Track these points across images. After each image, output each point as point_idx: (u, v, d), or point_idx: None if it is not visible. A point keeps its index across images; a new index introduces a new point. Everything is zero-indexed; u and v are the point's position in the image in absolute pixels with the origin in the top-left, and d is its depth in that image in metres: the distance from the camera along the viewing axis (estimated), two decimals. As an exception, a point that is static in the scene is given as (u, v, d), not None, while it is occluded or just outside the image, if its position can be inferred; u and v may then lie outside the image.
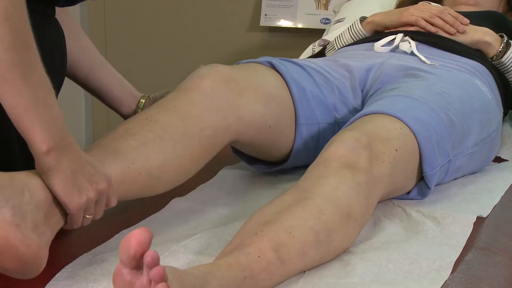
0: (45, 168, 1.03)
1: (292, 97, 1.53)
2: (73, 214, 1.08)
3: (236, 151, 1.60)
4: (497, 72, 1.84)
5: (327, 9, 2.85)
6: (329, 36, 2.33)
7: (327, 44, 2.15)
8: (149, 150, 1.26)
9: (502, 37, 1.88)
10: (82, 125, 3.26)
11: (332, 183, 1.19)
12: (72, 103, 3.17)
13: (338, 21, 2.48)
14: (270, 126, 1.48)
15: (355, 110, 1.64)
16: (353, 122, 1.39)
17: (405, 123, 1.36)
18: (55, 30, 1.31)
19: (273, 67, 1.56)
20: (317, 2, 2.86)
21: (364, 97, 1.67)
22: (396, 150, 1.31)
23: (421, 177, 1.42)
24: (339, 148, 1.23)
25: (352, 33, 2.02)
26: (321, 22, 2.85)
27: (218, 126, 1.36)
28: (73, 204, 1.06)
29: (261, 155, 1.59)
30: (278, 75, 1.55)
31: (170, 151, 1.29)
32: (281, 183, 1.55)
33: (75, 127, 3.22)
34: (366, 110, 1.42)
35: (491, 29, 1.89)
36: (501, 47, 1.86)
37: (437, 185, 1.49)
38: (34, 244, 1.01)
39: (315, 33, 2.74)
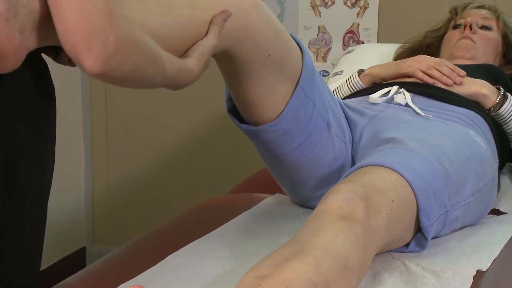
0: None
1: (302, 65, 1.54)
2: None
3: (230, 110, 1.60)
4: (494, 123, 1.84)
5: (326, 62, 2.87)
6: (327, 88, 2.35)
7: (325, 97, 2.16)
8: (149, 18, 1.25)
9: (499, 89, 1.89)
10: (82, 179, 3.26)
11: (329, 235, 1.18)
12: (72, 156, 3.17)
13: (337, 73, 2.50)
14: (269, 55, 1.48)
15: (347, 133, 1.67)
16: (349, 174, 1.39)
17: (401, 174, 1.37)
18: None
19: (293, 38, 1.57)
20: (315, 55, 2.89)
21: (354, 146, 1.68)
22: (393, 201, 1.31)
23: (418, 229, 1.42)
24: (336, 200, 1.23)
25: (350, 85, 2.03)
26: (320, 74, 2.87)
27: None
28: None
29: (253, 103, 1.55)
30: (297, 46, 1.55)
31: (168, 30, 1.28)
32: (280, 237, 1.54)
33: (74, 180, 3.21)
34: (362, 162, 1.43)
35: (487, 82, 1.90)
36: (498, 99, 1.87)
37: (435, 237, 1.48)
38: (17, 42, 1.01)
39: (314, 86, 2.75)
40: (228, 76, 1.52)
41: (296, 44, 1.55)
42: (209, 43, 1.33)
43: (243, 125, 1.59)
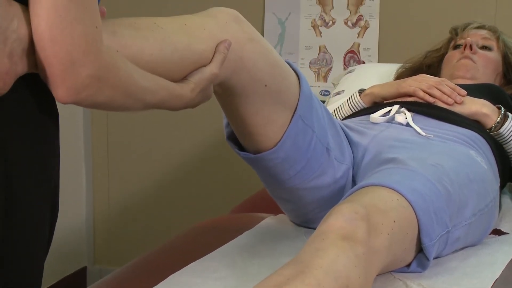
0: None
1: (299, 93, 1.55)
2: None
3: (229, 137, 1.60)
4: (495, 143, 1.85)
5: (326, 81, 2.88)
6: (328, 108, 2.35)
7: (327, 116, 2.16)
8: (146, 44, 1.28)
9: (499, 108, 1.90)
10: (83, 199, 3.26)
11: (330, 255, 1.18)
12: (73, 177, 3.17)
13: (338, 93, 2.51)
14: (266, 86, 1.48)
15: (348, 156, 1.67)
16: (351, 194, 1.39)
17: (402, 195, 1.37)
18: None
19: (290, 66, 1.58)
20: (316, 74, 2.90)
21: (355, 166, 1.68)
22: (394, 221, 1.31)
23: (420, 249, 1.42)
24: (337, 220, 1.23)
25: (351, 105, 2.03)
26: (321, 94, 2.87)
27: None
28: None
29: (251, 132, 1.56)
30: (294, 74, 1.56)
31: (167, 55, 1.30)
32: (281, 256, 1.54)
33: (75, 200, 3.21)
34: (363, 182, 1.43)
35: (488, 101, 1.90)
36: (498, 118, 1.87)
37: (437, 257, 1.48)
38: (5, 67, 1.02)
39: (315, 105, 2.76)
40: (225, 106, 1.53)
41: (293, 72, 1.56)
42: (209, 70, 1.35)
43: (242, 153, 1.60)
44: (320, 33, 2.88)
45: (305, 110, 1.55)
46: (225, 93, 1.48)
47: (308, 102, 1.56)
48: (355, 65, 2.80)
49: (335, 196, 1.64)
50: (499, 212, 1.79)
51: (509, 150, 1.89)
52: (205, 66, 1.35)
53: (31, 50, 1.06)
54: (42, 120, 1.12)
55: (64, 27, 1.03)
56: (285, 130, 1.54)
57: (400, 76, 2.28)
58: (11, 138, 1.08)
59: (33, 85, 1.09)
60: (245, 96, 1.48)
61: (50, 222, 1.19)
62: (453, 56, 2.20)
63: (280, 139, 1.54)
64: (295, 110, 1.54)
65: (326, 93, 2.85)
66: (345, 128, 1.75)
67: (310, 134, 1.57)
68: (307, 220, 1.73)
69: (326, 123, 1.63)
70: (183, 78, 1.33)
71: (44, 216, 1.15)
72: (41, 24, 1.03)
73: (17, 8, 1.05)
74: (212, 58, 1.36)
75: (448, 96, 1.88)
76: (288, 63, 1.57)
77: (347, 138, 1.73)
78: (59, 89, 1.07)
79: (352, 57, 2.85)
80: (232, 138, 1.61)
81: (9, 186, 1.08)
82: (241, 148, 1.61)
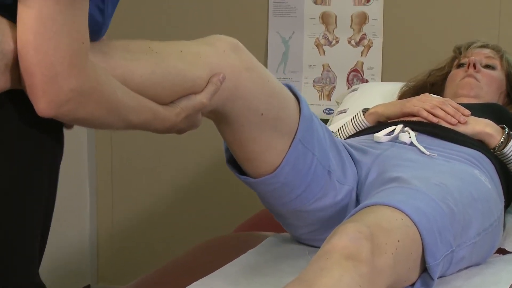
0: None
1: (299, 117, 1.54)
2: None
3: (229, 161, 1.60)
4: (499, 162, 1.84)
5: (330, 100, 2.88)
6: (332, 127, 2.35)
7: (330, 135, 2.16)
8: (138, 66, 1.27)
9: (503, 128, 1.90)
10: (87, 217, 3.26)
11: (334, 275, 1.18)
12: (77, 195, 3.17)
13: (341, 111, 2.51)
14: (262, 114, 1.48)
15: (350, 177, 1.66)
16: (355, 213, 1.39)
17: (406, 214, 1.36)
18: None
19: (290, 89, 1.57)
20: (320, 93, 2.90)
21: (359, 185, 1.67)
22: (398, 241, 1.30)
23: (424, 268, 1.41)
24: (341, 239, 1.23)
25: (355, 124, 2.03)
26: (324, 112, 2.88)
27: None
28: None
29: (250, 158, 1.55)
30: (294, 98, 1.56)
31: (158, 79, 1.29)
32: (285, 275, 1.54)
33: (79, 218, 3.21)
34: (367, 201, 1.43)
35: (492, 121, 1.90)
36: (502, 138, 1.87)
37: (441, 277, 1.47)
38: None
39: (319, 124, 2.76)
40: (222, 132, 1.53)
41: (292, 96, 1.55)
42: (199, 98, 1.34)
43: (242, 177, 1.60)
44: (324, 51, 2.89)
45: (306, 133, 1.55)
46: (221, 120, 1.48)
47: (308, 125, 1.56)
48: (359, 83, 2.81)
49: (338, 216, 1.64)
50: (504, 231, 1.78)
51: (513, 170, 1.89)
52: (196, 93, 1.34)
53: (15, 66, 1.05)
54: (40, 132, 1.12)
55: (49, 38, 1.03)
56: (285, 155, 1.54)
57: (403, 94, 2.28)
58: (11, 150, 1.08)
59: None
60: (240, 125, 1.48)
61: (41, 231, 1.17)
62: (456, 74, 2.20)
63: (280, 164, 1.54)
64: (295, 135, 1.54)
65: (329, 111, 2.86)
66: (348, 147, 1.74)
67: (310, 157, 1.57)
68: (309, 239, 1.72)
69: (328, 145, 1.62)
70: (170, 102, 1.33)
71: (35, 226, 1.14)
72: (25, 33, 1.03)
73: (3, 23, 1.05)
74: (205, 87, 1.36)
75: (452, 116, 1.88)
76: (289, 87, 1.57)
77: (351, 157, 1.73)
78: (40, 101, 1.05)
79: (356, 76, 2.86)
80: (232, 162, 1.61)
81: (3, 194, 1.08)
82: (241, 171, 1.60)
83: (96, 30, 1.17)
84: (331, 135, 1.67)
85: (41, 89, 1.04)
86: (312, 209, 1.63)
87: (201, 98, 1.35)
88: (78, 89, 1.06)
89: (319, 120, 1.64)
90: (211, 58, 1.38)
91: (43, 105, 1.06)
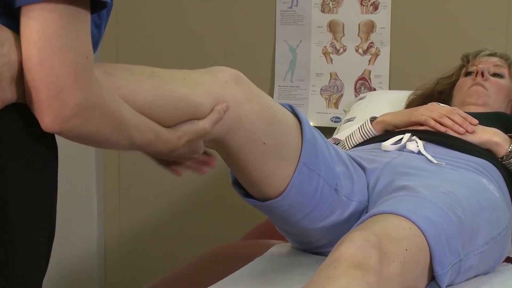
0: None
1: (302, 140, 1.54)
2: None
3: (234, 183, 1.60)
4: (507, 171, 1.84)
5: (337, 108, 2.88)
6: (340, 135, 2.35)
7: (338, 143, 2.17)
8: (141, 88, 1.27)
9: (511, 137, 1.89)
10: (94, 225, 3.26)
11: (342, 283, 1.18)
12: (84, 203, 3.18)
13: (349, 120, 2.51)
14: (264, 144, 1.48)
15: (358, 193, 1.65)
16: (362, 222, 1.39)
17: (414, 223, 1.36)
18: None
19: (293, 111, 1.58)
20: (327, 101, 2.90)
21: (368, 194, 1.67)
22: (406, 249, 1.30)
23: (432, 277, 1.41)
24: (349, 248, 1.23)
25: (363, 133, 2.04)
26: (332, 121, 2.88)
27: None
28: None
29: (254, 183, 1.56)
30: (295, 119, 1.57)
31: (161, 101, 1.30)
32: (292, 284, 1.54)
33: (86, 226, 3.22)
34: (375, 210, 1.43)
35: (499, 130, 1.90)
36: (510, 147, 1.87)
37: (449, 285, 1.47)
38: None
39: (326, 131, 2.76)
40: (226, 161, 1.54)
41: (294, 119, 1.56)
42: (201, 124, 1.35)
43: (248, 200, 1.61)
44: (331, 60, 2.89)
45: (310, 156, 1.56)
46: (222, 150, 1.49)
47: (312, 147, 1.56)
48: (366, 92, 2.81)
49: (345, 229, 1.63)
50: (512, 240, 1.78)
51: (521, 179, 1.88)
52: (198, 119, 1.35)
53: (21, 78, 1.04)
54: (39, 148, 1.11)
55: (53, 52, 1.02)
56: (290, 180, 1.54)
57: (411, 103, 2.28)
58: (7, 163, 1.07)
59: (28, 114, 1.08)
60: (243, 154, 1.49)
61: (47, 241, 1.17)
62: (464, 83, 2.20)
63: (285, 189, 1.55)
64: (299, 158, 1.54)
65: (337, 119, 2.86)
66: (356, 157, 1.74)
67: (316, 179, 1.57)
68: (316, 252, 1.72)
69: (334, 161, 1.62)
70: (173, 126, 1.33)
71: (40, 236, 1.13)
72: (29, 47, 1.02)
73: (9, 34, 1.04)
74: (208, 115, 1.37)
75: (460, 125, 1.88)
76: (290, 108, 1.58)
77: (360, 165, 1.72)
78: (45, 115, 1.04)
79: (363, 84, 2.86)
80: (237, 183, 1.61)
81: (4, 209, 1.07)
82: (247, 192, 1.61)
83: (93, 45, 1.17)
84: (336, 150, 1.66)
85: (46, 104, 1.03)
86: (320, 227, 1.63)
87: (204, 124, 1.36)
88: (84, 103, 1.06)
89: (322, 136, 1.64)
90: (214, 88, 1.39)
91: (48, 120, 1.05)
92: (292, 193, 1.55)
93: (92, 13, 1.09)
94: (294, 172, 1.54)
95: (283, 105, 1.58)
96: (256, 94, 1.48)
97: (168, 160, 1.41)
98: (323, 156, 1.59)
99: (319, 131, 1.63)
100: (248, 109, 1.44)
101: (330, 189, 1.60)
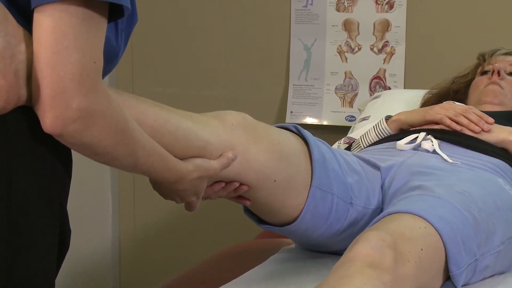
0: None
1: (311, 161, 1.54)
2: None
3: (246, 210, 1.61)
4: (523, 171, 1.83)
5: (352, 107, 2.87)
6: (354, 134, 2.34)
7: (353, 142, 2.16)
8: (151, 111, 1.28)
9: (527, 136, 1.88)
10: (109, 224, 3.27)
11: (357, 283, 1.18)
12: (99, 203, 3.19)
13: (363, 119, 2.50)
14: (275, 181, 1.49)
15: (373, 199, 1.65)
16: (377, 221, 1.39)
17: (429, 222, 1.36)
18: None
19: (299, 132, 1.58)
20: (342, 100, 2.89)
21: (383, 193, 1.67)
22: (421, 249, 1.30)
23: (447, 277, 1.40)
24: (364, 247, 1.22)
25: (378, 132, 2.03)
26: (346, 120, 2.87)
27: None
28: None
29: (268, 213, 1.57)
30: (301, 141, 1.57)
31: (171, 128, 1.30)
32: (307, 283, 1.53)
33: (101, 225, 3.22)
34: (390, 209, 1.42)
35: (516, 129, 1.89)
36: (526, 146, 1.85)
37: (465, 285, 1.46)
38: (11, 81, 1.00)
39: (340, 130, 2.75)
40: (237, 199, 1.54)
41: (300, 143, 1.56)
42: (213, 163, 1.35)
43: (262, 226, 1.62)
44: (346, 59, 2.88)
45: (321, 177, 1.56)
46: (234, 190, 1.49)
47: (322, 168, 1.56)
48: (381, 90, 2.80)
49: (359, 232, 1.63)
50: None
51: (537, 179, 1.87)
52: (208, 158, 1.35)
53: (30, 80, 1.03)
54: (49, 150, 1.10)
55: (58, 51, 1.01)
56: (303, 206, 1.55)
57: (426, 102, 2.27)
58: (15, 165, 1.06)
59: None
60: (254, 192, 1.49)
61: (59, 247, 1.16)
62: (480, 81, 2.19)
63: (299, 215, 1.55)
64: (310, 183, 1.55)
65: (352, 118, 2.85)
66: (370, 158, 1.73)
67: (330, 198, 1.58)
68: (331, 252, 1.72)
69: (346, 173, 1.62)
70: (183, 159, 1.31)
71: (50, 241, 1.12)
72: (37, 45, 1.01)
73: (26, 34, 1.04)
74: (219, 157, 1.37)
75: (475, 124, 1.87)
76: (296, 129, 1.57)
77: (374, 165, 1.71)
78: (47, 115, 1.03)
79: (378, 83, 2.85)
80: (249, 211, 1.62)
81: (11, 211, 1.06)
82: (260, 218, 1.61)
83: (112, 56, 1.16)
84: (345, 159, 1.65)
85: (49, 104, 1.02)
86: (338, 239, 1.64)
87: (215, 164, 1.36)
88: (87, 109, 1.03)
89: (330, 148, 1.63)
90: (221, 131, 1.40)
91: (49, 121, 1.03)
92: (307, 217, 1.56)
93: (110, 21, 1.08)
94: (307, 197, 1.55)
95: (288, 127, 1.59)
96: (262, 134, 1.48)
97: (168, 194, 1.40)
98: (334, 172, 1.59)
99: (325, 143, 1.63)
100: (255, 152, 1.45)
101: (345, 204, 1.60)
